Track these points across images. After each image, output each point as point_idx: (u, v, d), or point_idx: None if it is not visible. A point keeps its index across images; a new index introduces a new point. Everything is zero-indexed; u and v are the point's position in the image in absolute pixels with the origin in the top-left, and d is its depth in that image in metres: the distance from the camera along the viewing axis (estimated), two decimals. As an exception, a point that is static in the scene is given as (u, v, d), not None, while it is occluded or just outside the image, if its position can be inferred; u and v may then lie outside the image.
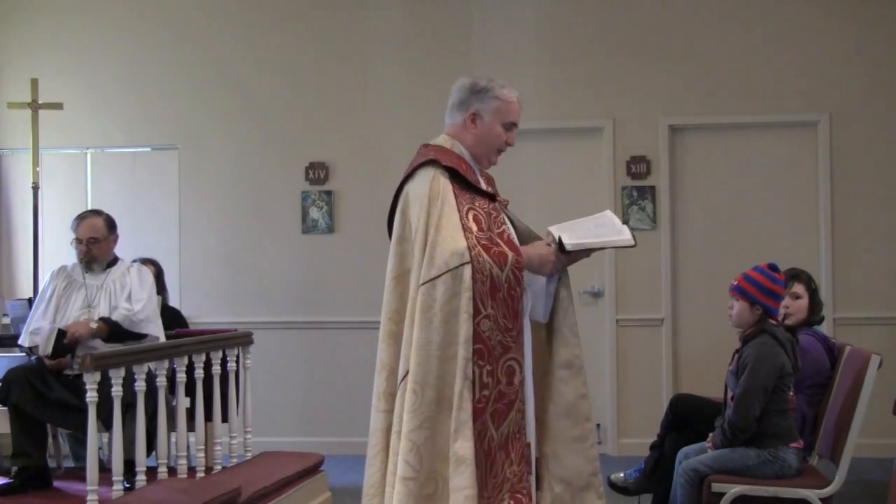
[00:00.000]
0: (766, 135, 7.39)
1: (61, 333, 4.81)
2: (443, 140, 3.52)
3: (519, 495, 3.28)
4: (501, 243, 3.32)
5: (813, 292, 5.02)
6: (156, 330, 5.10)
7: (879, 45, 7.27)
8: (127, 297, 5.07)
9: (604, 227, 3.45)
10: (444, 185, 3.35)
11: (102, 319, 4.95)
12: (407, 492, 3.14)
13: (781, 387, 4.30)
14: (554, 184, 7.46)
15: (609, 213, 3.51)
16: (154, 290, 5.29)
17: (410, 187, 3.39)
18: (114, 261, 5.24)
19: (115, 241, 5.26)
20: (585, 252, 3.42)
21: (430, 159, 3.39)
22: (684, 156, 7.45)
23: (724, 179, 7.40)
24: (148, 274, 5.28)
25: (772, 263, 4.44)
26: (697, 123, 7.42)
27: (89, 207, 7.75)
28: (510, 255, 3.29)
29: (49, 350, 4.80)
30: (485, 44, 7.52)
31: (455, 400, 3.16)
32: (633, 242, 3.41)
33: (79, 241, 5.16)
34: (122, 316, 4.98)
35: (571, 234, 3.39)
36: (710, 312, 7.05)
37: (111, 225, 5.24)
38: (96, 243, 5.14)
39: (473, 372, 3.20)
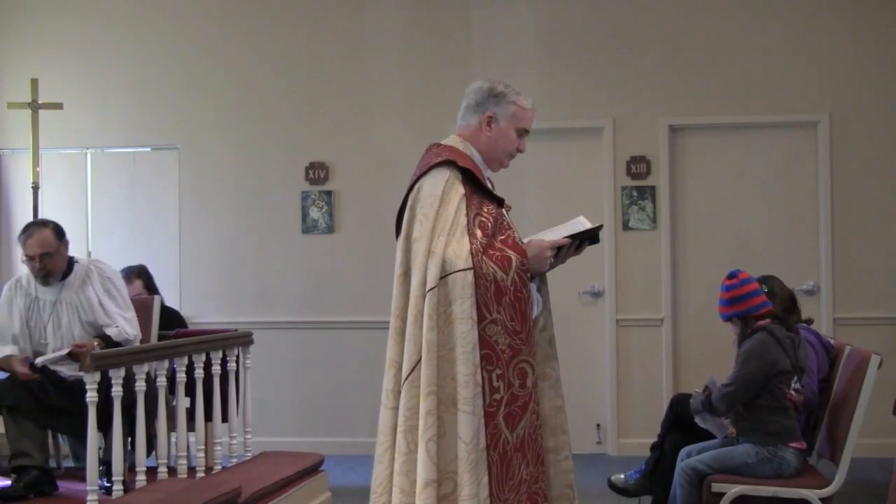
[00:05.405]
0: (766, 135, 7.39)
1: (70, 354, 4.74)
2: (455, 141, 3.50)
3: (536, 496, 3.30)
4: (506, 248, 3.31)
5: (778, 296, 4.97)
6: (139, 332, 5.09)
7: (879, 45, 7.27)
8: (107, 313, 4.93)
9: (577, 225, 3.45)
10: (457, 187, 3.34)
11: (99, 336, 4.89)
12: (431, 493, 3.15)
13: (777, 384, 4.31)
14: (554, 184, 7.46)
15: (582, 218, 3.51)
16: (125, 289, 5.14)
17: (423, 184, 3.37)
18: (70, 267, 4.97)
19: (66, 248, 4.96)
20: (573, 251, 3.42)
21: (447, 160, 3.38)
22: (684, 156, 7.45)
23: (724, 179, 7.40)
24: (113, 276, 5.10)
25: (730, 272, 4.55)
26: (697, 123, 7.42)
27: (90, 208, 7.79)
28: (514, 257, 3.29)
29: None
30: (485, 44, 7.53)
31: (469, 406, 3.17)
32: (595, 225, 3.43)
33: (30, 257, 4.84)
34: (116, 333, 4.91)
35: (552, 234, 3.43)
36: (710, 312, 6.96)
37: (60, 234, 4.92)
38: (50, 257, 4.84)
39: (483, 377, 3.21)
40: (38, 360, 4.79)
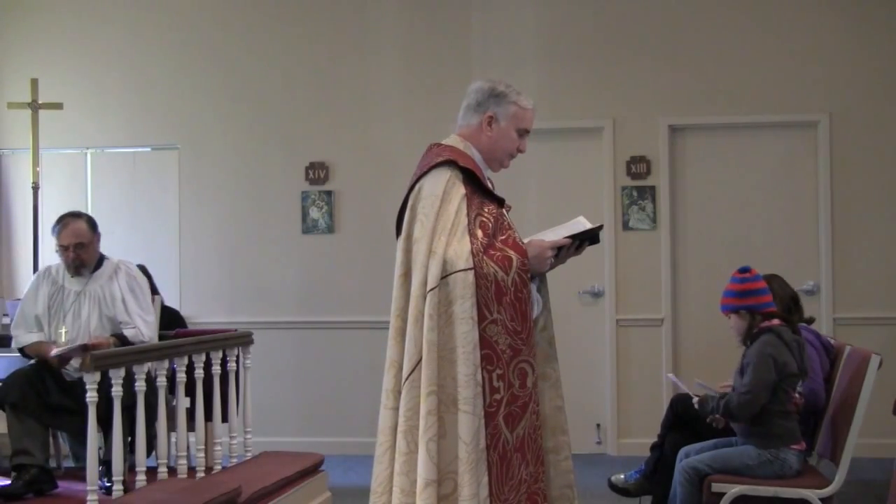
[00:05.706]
0: (766, 135, 7.39)
1: (83, 347, 4.77)
2: (455, 141, 3.49)
3: (535, 496, 3.30)
4: (507, 248, 3.31)
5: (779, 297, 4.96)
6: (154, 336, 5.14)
7: (879, 45, 7.27)
8: (128, 311, 5.00)
9: (577, 225, 3.45)
10: (458, 187, 3.33)
11: (115, 335, 4.94)
12: (431, 493, 3.14)
13: (784, 387, 4.30)
14: (554, 184, 7.46)
15: (582, 218, 3.50)
16: (149, 293, 5.25)
17: (423, 184, 3.36)
18: (100, 261, 5.11)
19: (98, 240, 5.12)
20: (573, 251, 3.42)
21: (448, 159, 3.37)
22: (684, 156, 7.45)
23: (724, 179, 7.40)
24: (139, 277, 5.19)
25: (742, 267, 4.52)
26: (697, 123, 7.42)
27: (90, 208, 7.78)
28: (515, 257, 3.28)
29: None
30: (485, 44, 7.53)
31: (469, 406, 3.17)
32: (595, 225, 3.43)
33: (64, 247, 4.99)
34: (133, 334, 4.98)
35: (552, 235, 3.42)
36: (710, 312, 7.01)
37: (94, 226, 5.09)
38: (83, 248, 4.99)
39: (483, 377, 3.20)
40: (53, 352, 4.86)
